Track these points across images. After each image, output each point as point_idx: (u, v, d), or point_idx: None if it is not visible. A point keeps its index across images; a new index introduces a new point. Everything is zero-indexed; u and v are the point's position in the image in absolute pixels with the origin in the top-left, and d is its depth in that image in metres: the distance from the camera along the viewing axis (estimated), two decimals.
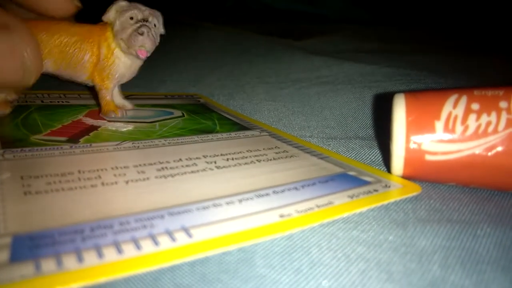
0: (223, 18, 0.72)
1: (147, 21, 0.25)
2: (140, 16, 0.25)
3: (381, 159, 0.24)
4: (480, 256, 0.15)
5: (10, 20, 0.22)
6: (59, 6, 0.26)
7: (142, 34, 0.24)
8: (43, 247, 0.14)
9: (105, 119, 0.27)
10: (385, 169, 0.23)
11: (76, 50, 0.26)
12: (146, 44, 0.25)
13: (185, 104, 0.33)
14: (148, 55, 0.26)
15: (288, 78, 0.40)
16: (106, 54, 0.26)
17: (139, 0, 0.26)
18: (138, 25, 0.25)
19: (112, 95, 0.27)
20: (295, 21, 0.77)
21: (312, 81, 0.39)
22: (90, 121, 0.26)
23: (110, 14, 0.26)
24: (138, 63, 0.27)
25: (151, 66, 0.41)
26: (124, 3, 0.26)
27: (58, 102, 0.30)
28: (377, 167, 0.23)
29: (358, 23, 0.76)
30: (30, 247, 0.14)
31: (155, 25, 0.26)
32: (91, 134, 0.25)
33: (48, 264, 0.13)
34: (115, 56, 0.26)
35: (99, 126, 0.26)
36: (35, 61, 0.23)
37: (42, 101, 0.30)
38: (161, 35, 0.27)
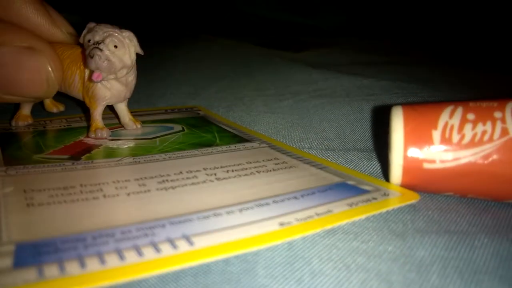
0: (220, 30, 0.73)
1: (101, 43, 0.24)
2: (96, 38, 0.25)
3: (379, 170, 0.24)
4: (478, 266, 0.15)
5: (36, 42, 0.25)
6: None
7: (92, 57, 0.24)
8: (46, 254, 0.14)
9: (105, 138, 0.27)
10: (384, 180, 0.23)
11: (68, 73, 0.27)
12: (100, 67, 0.24)
13: (185, 118, 0.33)
14: (105, 78, 0.25)
15: (286, 91, 0.41)
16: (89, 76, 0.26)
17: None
18: (90, 48, 0.24)
19: (100, 115, 0.27)
20: (291, 33, 0.78)
21: (310, 93, 0.39)
22: (91, 141, 0.27)
23: (81, 37, 0.26)
24: (119, 86, 0.27)
25: (150, 80, 0.42)
26: (91, 25, 0.25)
27: (60, 126, 0.30)
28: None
29: (353, 35, 0.77)
30: (33, 254, 0.14)
31: (116, 47, 0.25)
32: (92, 152, 0.25)
33: (50, 270, 0.13)
34: None
35: (101, 145, 0.26)
36: (57, 76, 0.26)
37: (44, 127, 0.30)
38: (138, 55, 0.26)
